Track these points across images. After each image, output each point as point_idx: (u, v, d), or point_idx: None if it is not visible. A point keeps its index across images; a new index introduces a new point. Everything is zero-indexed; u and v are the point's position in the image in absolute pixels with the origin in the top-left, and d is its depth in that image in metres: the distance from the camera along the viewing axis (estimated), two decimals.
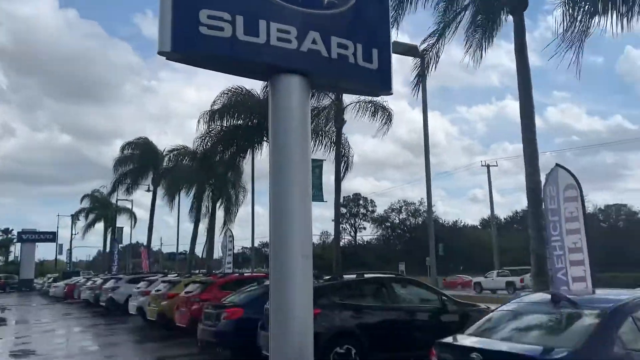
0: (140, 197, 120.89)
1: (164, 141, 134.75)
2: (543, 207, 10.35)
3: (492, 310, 6.00)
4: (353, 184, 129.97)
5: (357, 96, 19.34)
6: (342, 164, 20.47)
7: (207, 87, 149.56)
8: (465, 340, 5.14)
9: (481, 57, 13.20)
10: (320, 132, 20.92)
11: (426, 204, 18.41)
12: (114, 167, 39.13)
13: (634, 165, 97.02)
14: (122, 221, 52.57)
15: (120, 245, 50.48)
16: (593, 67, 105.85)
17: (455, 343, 5.15)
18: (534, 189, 10.97)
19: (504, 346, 4.75)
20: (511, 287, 34.86)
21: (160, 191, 39.18)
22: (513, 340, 4.85)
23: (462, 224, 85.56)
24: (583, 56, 11.07)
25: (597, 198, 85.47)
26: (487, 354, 4.56)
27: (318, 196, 21.57)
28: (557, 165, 9.86)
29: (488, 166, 49.23)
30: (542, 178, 10.59)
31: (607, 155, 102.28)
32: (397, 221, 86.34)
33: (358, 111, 20.09)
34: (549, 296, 5.37)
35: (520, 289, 32.79)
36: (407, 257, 62.68)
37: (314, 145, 20.78)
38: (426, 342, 5.35)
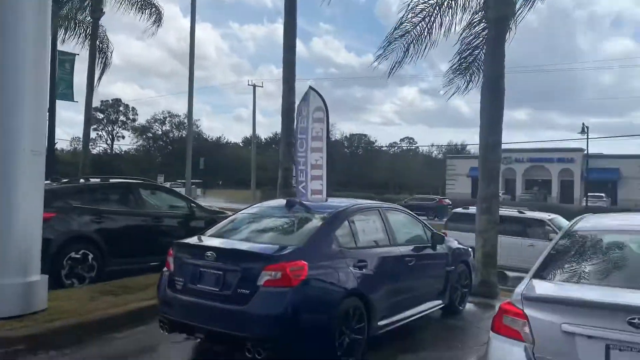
0: None
1: None
2: (294, 125, 11.04)
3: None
4: (114, 89, 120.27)
5: None
6: (98, 59, 18.42)
7: None
8: (204, 240, 5.27)
9: None
10: (73, 21, 18.25)
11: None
12: None
13: (377, 100, 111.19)
14: None
15: None
16: (356, 5, 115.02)
17: (191, 242, 5.24)
18: (288, 109, 11.60)
19: (239, 245, 5.04)
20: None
21: None
22: (250, 240, 5.19)
23: (225, 140, 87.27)
24: None
25: (345, 127, 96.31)
26: (221, 252, 4.77)
27: (67, 95, 19.23)
28: (311, 87, 10.48)
29: (254, 86, 50.47)
30: (297, 100, 11.22)
31: (357, 90, 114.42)
32: (160, 132, 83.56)
33: (122, 3, 18.03)
34: (285, 201, 5.86)
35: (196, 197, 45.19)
36: (168, 170, 61.81)
37: (64, 35, 18.14)
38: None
